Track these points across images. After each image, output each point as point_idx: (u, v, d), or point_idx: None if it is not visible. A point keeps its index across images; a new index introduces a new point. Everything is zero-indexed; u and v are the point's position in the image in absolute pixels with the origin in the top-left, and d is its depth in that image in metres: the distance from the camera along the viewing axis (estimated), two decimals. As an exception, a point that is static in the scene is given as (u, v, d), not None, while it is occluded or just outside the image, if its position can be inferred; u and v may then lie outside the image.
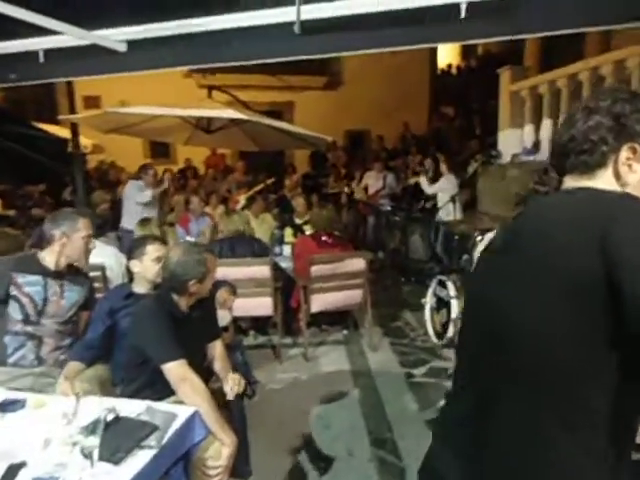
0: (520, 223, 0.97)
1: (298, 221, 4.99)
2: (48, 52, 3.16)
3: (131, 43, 3.15)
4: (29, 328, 2.13)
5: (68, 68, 3.29)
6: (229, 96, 9.97)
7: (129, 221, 5.53)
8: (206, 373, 2.14)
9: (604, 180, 0.88)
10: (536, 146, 5.46)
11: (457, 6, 2.73)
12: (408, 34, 2.98)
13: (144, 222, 4.29)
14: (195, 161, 10.24)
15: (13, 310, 2.10)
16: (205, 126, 5.32)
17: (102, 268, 3.54)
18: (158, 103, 5.37)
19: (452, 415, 1.05)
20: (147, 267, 2.27)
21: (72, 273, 2.29)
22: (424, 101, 12.24)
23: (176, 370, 1.83)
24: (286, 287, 4.08)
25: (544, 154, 5.29)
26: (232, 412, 2.21)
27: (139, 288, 2.30)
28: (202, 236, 5.04)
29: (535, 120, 5.49)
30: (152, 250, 2.28)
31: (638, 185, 0.86)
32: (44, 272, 2.17)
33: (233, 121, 5.15)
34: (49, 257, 2.19)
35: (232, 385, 2.07)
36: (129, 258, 2.40)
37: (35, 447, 1.41)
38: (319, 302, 3.88)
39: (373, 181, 7.42)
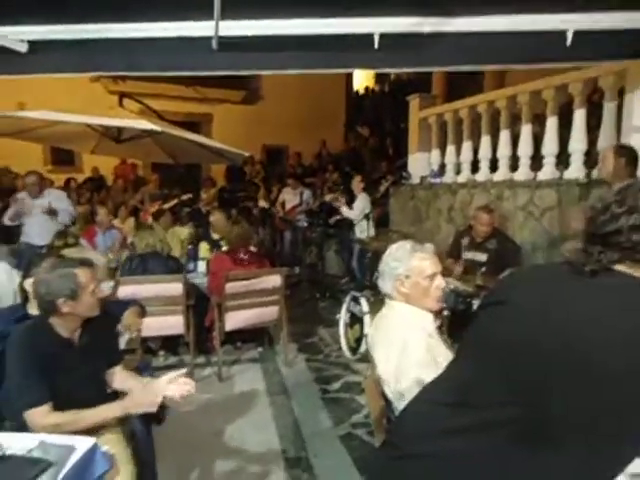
0: (577, 311, 0.94)
1: (215, 236, 4.88)
2: None
3: (33, 44, 2.93)
4: None
5: (-44, 64, 2.98)
6: (141, 105, 9.58)
7: (26, 233, 5.08)
8: (111, 400, 2.01)
9: None
10: (442, 169, 5.86)
11: (371, 36, 2.88)
12: (323, 59, 3.08)
13: (61, 235, 4.04)
14: (103, 170, 9.67)
15: None
16: (115, 135, 5.05)
17: (-10, 286, 3.20)
18: (63, 107, 5.01)
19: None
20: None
21: None
22: (340, 120, 12.66)
23: (33, 419, 1.70)
24: (199, 305, 3.95)
25: (449, 177, 5.69)
26: (138, 442, 2.09)
27: (34, 310, 2.11)
28: (110, 251, 4.75)
29: (441, 145, 5.89)
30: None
31: None
32: None
33: (145, 131, 4.94)
34: None
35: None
36: (24, 276, 2.20)
37: None
38: (234, 320, 3.81)
39: (290, 197, 7.48)
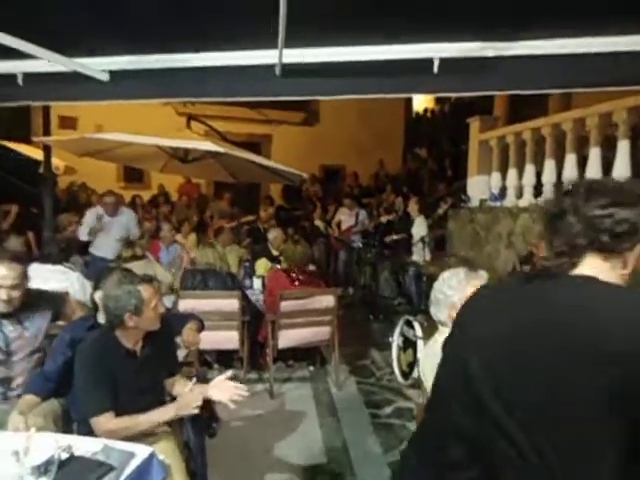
0: (552, 308, 0.96)
1: (274, 252, 5.01)
2: (27, 75, 3.14)
3: (113, 73, 3.18)
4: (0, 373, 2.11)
5: (48, 93, 3.27)
6: (207, 126, 10.07)
7: (98, 247, 5.41)
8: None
9: (617, 267, 0.99)
10: (502, 193, 5.69)
11: (431, 61, 2.89)
12: (383, 84, 3.12)
13: (129, 245, 4.29)
14: (169, 187, 10.19)
15: None
16: (182, 156, 5.34)
17: (66, 294, 3.44)
18: (136, 128, 5.37)
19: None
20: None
21: (28, 304, 2.24)
22: (399, 141, 12.65)
23: (97, 425, 1.81)
24: (254, 321, 4.05)
25: (510, 200, 5.51)
26: (192, 451, 2.16)
27: (102, 319, 2.25)
28: (173, 266, 4.98)
29: (502, 168, 5.74)
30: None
31: (629, 277, 1.00)
32: None
33: (210, 153, 5.19)
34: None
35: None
36: (94, 288, 2.36)
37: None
38: (287, 338, 3.86)
39: (346, 217, 7.53)
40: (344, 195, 8.72)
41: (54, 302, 2.45)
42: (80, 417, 1.97)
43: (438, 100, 13.07)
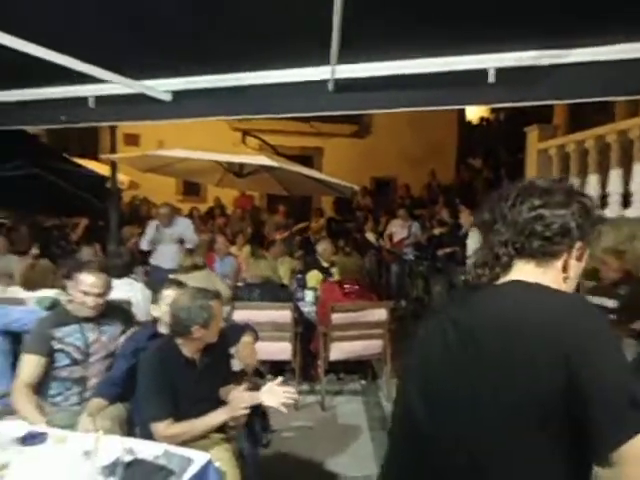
0: (474, 317, 0.94)
1: (325, 264, 5.04)
2: (98, 98, 3.37)
3: (176, 93, 3.36)
4: (77, 373, 2.30)
5: (116, 114, 3.48)
6: (260, 141, 10.34)
7: (156, 257, 5.67)
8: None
9: (554, 271, 0.94)
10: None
11: (485, 71, 2.84)
12: (436, 96, 3.10)
13: (188, 255, 4.45)
14: (224, 200, 10.52)
15: (59, 359, 2.26)
16: (237, 170, 5.52)
17: (129, 303, 3.63)
18: (194, 144, 5.62)
19: None
20: (164, 312, 2.35)
21: (105, 311, 2.41)
22: (451, 151, 12.42)
23: (156, 431, 1.89)
24: (306, 333, 4.08)
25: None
26: (245, 461, 2.20)
27: (163, 329, 2.36)
28: (228, 278, 5.13)
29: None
30: (168, 295, 2.37)
31: (575, 279, 0.95)
32: (77, 320, 2.34)
33: (264, 167, 5.33)
34: (74, 307, 2.36)
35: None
36: (153, 300, 2.50)
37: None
38: (338, 350, 3.87)
39: (398, 229, 7.47)
40: (396, 207, 8.65)
41: (125, 311, 2.63)
42: (142, 422, 2.07)
43: (493, 108, 12.74)
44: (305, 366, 4.15)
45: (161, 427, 1.90)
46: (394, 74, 2.95)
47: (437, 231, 6.61)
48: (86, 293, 2.32)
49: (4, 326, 2.79)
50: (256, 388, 2.41)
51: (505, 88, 2.87)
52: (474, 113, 13.11)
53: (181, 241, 5.55)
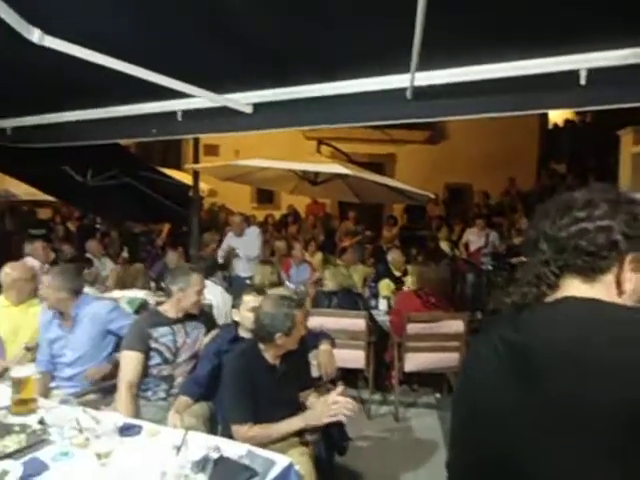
0: (531, 338, 0.85)
1: (397, 273, 4.98)
2: (185, 112, 3.58)
3: (256, 105, 3.49)
4: (165, 371, 2.45)
5: (201, 126, 3.68)
6: (333, 149, 10.45)
7: (233, 265, 5.88)
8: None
9: (605, 287, 0.86)
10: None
11: (574, 73, 2.68)
12: (519, 100, 2.96)
13: (265, 263, 4.58)
14: (298, 208, 10.74)
15: (153, 358, 2.44)
16: (311, 178, 5.61)
17: (210, 306, 3.80)
18: (269, 152, 5.80)
19: None
20: (244, 316, 2.44)
21: (190, 314, 2.55)
22: (532, 156, 11.81)
23: (237, 432, 1.97)
24: (379, 342, 4.05)
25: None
26: (321, 466, 2.22)
27: (243, 333, 2.46)
28: (303, 284, 5.22)
29: (662, 184, 5.06)
30: (248, 300, 2.46)
31: (632, 294, 0.86)
32: (169, 322, 2.50)
33: (338, 174, 5.38)
34: (170, 309, 2.50)
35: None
36: (233, 306, 2.60)
37: (151, 477, 1.54)
38: (413, 361, 3.79)
39: (475, 238, 7.21)
40: (473, 215, 8.37)
41: (207, 313, 2.77)
42: (224, 421, 2.15)
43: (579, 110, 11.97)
44: (378, 376, 4.11)
45: (241, 429, 1.97)
46: (476, 79, 2.87)
47: (517, 240, 6.30)
48: (199, 292, 2.49)
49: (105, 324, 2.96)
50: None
51: (598, 90, 2.69)
52: (558, 115, 12.39)
53: (250, 251, 5.72)
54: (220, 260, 6.00)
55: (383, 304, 4.52)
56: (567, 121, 12.05)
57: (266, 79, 3.32)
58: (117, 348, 2.67)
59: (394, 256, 5.50)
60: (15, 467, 1.59)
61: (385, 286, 5.01)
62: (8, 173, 5.27)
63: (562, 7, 2.18)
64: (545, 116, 12.21)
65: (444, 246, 7.79)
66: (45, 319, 2.77)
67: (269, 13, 2.23)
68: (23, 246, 4.94)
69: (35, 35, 2.12)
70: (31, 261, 4.26)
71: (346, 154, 10.26)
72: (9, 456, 1.66)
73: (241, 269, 5.75)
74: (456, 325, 3.79)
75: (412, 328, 3.71)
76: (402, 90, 3.01)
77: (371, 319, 4.00)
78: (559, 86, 2.80)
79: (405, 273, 5.26)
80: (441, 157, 11.17)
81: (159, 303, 3.31)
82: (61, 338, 2.71)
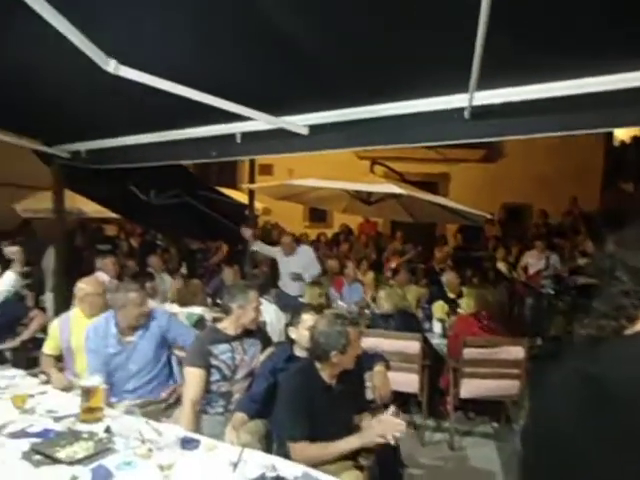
0: (613, 375, 0.79)
1: (451, 295, 4.86)
2: (244, 134, 3.70)
3: (312, 127, 3.56)
4: (224, 387, 2.51)
5: (259, 147, 3.79)
6: (386, 168, 10.44)
7: (282, 283, 5.92)
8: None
9: None
10: None
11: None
12: (585, 119, 2.85)
13: (314, 284, 4.61)
14: (349, 226, 10.75)
15: (212, 374, 2.49)
16: (365, 197, 5.63)
17: (263, 324, 3.85)
18: (322, 172, 5.86)
19: None
20: (302, 335, 2.45)
21: (248, 331, 2.60)
22: (596, 175, 11.25)
23: (294, 450, 1.96)
24: (434, 365, 3.93)
25: None
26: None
27: (299, 352, 2.47)
28: (356, 304, 5.20)
29: None
30: (307, 319, 2.47)
31: None
32: (228, 339, 2.55)
33: (392, 194, 5.37)
34: (229, 325, 2.55)
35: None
36: (288, 324, 2.63)
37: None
38: (470, 387, 3.65)
39: (534, 260, 6.92)
40: (532, 236, 8.04)
41: (262, 330, 2.81)
42: (279, 439, 2.16)
43: (648, 126, 11.33)
44: (432, 401, 3.99)
45: (298, 447, 1.97)
46: (537, 98, 2.80)
47: (582, 262, 5.98)
48: (256, 309, 2.56)
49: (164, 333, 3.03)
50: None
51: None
52: (625, 132, 11.78)
53: (297, 279, 5.69)
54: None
55: (437, 327, 4.41)
56: (635, 138, 11.41)
57: (322, 101, 3.38)
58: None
59: (448, 277, 5.38)
60: (84, 473, 1.67)
61: (439, 308, 4.89)
62: (81, 193, 5.64)
63: (626, 23, 2.10)
64: (610, 133, 11.63)
65: (502, 268, 7.52)
66: (96, 335, 2.75)
67: (326, 36, 2.29)
68: (92, 260, 5.24)
69: (111, 65, 2.28)
70: (102, 275, 4.52)
71: (399, 173, 10.21)
72: (79, 462, 1.74)
73: (288, 287, 5.78)
74: (516, 351, 3.63)
75: (469, 353, 3.59)
76: (460, 110, 2.97)
77: (425, 342, 3.91)
78: (627, 103, 2.68)
79: (460, 295, 5.12)
80: (497, 176, 10.86)
81: (216, 319, 3.40)
82: (121, 352, 2.74)
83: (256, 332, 2.70)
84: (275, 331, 3.95)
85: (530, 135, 3.09)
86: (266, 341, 2.78)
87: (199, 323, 3.92)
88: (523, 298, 6.98)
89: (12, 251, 3.41)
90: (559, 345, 6.06)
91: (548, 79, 2.73)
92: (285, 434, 2.02)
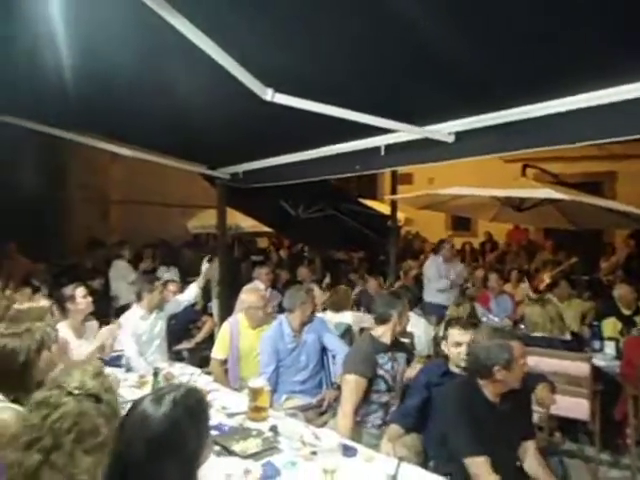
0: None
1: (626, 312, 4.25)
2: (387, 146, 3.73)
3: (458, 134, 3.44)
4: (384, 398, 2.54)
5: (402, 158, 3.78)
6: (537, 170, 9.59)
7: (428, 293, 5.74)
8: (518, 474, 2.00)
9: None
10: None
11: None
12: None
13: (459, 304, 4.48)
14: (495, 234, 10.09)
15: (377, 384, 2.52)
16: (516, 204, 5.25)
17: (411, 336, 3.81)
18: (465, 179, 5.58)
19: None
20: (450, 351, 2.36)
21: (397, 342, 2.61)
22: None
23: (472, 466, 1.82)
24: (608, 391, 3.45)
25: None
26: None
27: (453, 367, 2.38)
28: (506, 319, 4.87)
29: None
30: (453, 334, 2.38)
31: None
32: (386, 348, 2.57)
33: (548, 199, 4.91)
34: (386, 334, 2.56)
35: None
36: (442, 338, 2.56)
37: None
38: (655, 419, 3.13)
39: None
40: None
41: (409, 344, 2.80)
42: (437, 458, 2.10)
43: None
44: (606, 432, 3.50)
45: (478, 462, 1.83)
46: None
47: None
48: (407, 319, 2.64)
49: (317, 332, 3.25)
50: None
51: None
52: None
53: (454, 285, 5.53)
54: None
55: (610, 347, 3.87)
56: None
57: (468, 107, 3.26)
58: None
59: (621, 292, 4.69)
60: (255, 467, 1.82)
61: (610, 326, 4.30)
62: (239, 209, 6.26)
63: None
64: None
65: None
66: (275, 335, 3.15)
67: (472, 41, 2.20)
68: (249, 270, 5.77)
69: (269, 94, 2.49)
70: (258, 284, 4.96)
71: (554, 175, 9.29)
72: (251, 456, 1.91)
73: (440, 297, 5.60)
74: None
75: (651, 379, 3.09)
76: (634, 101, 2.62)
77: (594, 364, 3.46)
78: None
79: (637, 311, 4.45)
80: (677, 172, 9.26)
81: (364, 329, 3.47)
82: (295, 348, 3.12)
83: (402, 343, 2.69)
84: (422, 343, 3.88)
85: None
86: (409, 351, 2.77)
87: (347, 333, 4.02)
88: None
89: (207, 267, 3.99)
90: None
91: None
92: (460, 447, 1.91)
